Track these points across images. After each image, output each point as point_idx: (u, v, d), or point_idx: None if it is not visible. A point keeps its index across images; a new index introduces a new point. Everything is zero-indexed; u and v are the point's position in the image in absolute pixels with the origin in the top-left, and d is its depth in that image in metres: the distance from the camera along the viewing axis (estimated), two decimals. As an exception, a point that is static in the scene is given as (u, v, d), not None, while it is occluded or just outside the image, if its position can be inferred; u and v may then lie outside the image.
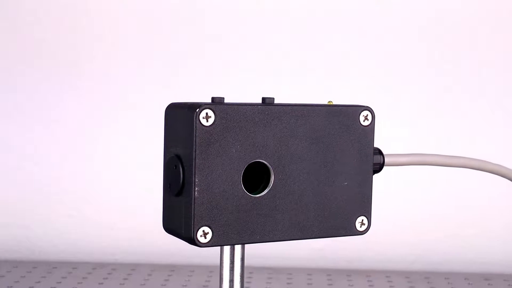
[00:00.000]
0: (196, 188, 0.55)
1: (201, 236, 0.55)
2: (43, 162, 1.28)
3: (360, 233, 0.64)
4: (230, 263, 0.59)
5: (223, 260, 0.60)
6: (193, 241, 0.55)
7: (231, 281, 0.59)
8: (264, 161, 0.59)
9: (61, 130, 1.28)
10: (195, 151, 0.55)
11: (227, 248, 0.60)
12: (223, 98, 0.58)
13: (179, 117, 0.57)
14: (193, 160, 0.54)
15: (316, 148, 0.61)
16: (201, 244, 0.55)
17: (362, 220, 0.63)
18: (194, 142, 0.55)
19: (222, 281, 0.60)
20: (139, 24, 1.27)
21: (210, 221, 0.56)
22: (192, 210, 0.54)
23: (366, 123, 0.63)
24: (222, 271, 0.60)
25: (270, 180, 0.59)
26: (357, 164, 0.63)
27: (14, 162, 1.29)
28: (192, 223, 0.54)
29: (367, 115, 0.63)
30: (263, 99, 0.60)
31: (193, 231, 0.55)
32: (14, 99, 1.28)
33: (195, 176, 0.54)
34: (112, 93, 1.28)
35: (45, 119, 1.28)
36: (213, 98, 0.58)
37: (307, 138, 0.60)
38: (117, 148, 1.28)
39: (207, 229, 0.56)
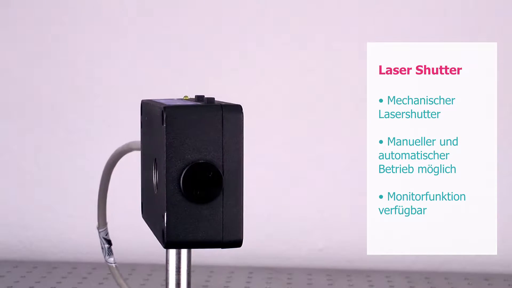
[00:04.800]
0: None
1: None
2: (43, 162, 1.28)
3: None
4: (177, 263, 0.60)
5: (168, 261, 0.60)
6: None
7: (178, 284, 0.60)
8: None
9: (61, 130, 1.27)
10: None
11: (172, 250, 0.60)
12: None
13: (203, 118, 0.54)
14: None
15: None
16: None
17: None
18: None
19: (168, 283, 0.60)
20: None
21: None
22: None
23: None
24: (168, 273, 0.60)
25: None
26: None
27: (14, 162, 1.28)
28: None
29: None
30: (198, 97, 0.60)
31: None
32: (14, 99, 1.27)
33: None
34: (113, 92, 1.27)
35: (45, 119, 1.27)
36: (207, 98, 0.58)
37: None
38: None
39: None
